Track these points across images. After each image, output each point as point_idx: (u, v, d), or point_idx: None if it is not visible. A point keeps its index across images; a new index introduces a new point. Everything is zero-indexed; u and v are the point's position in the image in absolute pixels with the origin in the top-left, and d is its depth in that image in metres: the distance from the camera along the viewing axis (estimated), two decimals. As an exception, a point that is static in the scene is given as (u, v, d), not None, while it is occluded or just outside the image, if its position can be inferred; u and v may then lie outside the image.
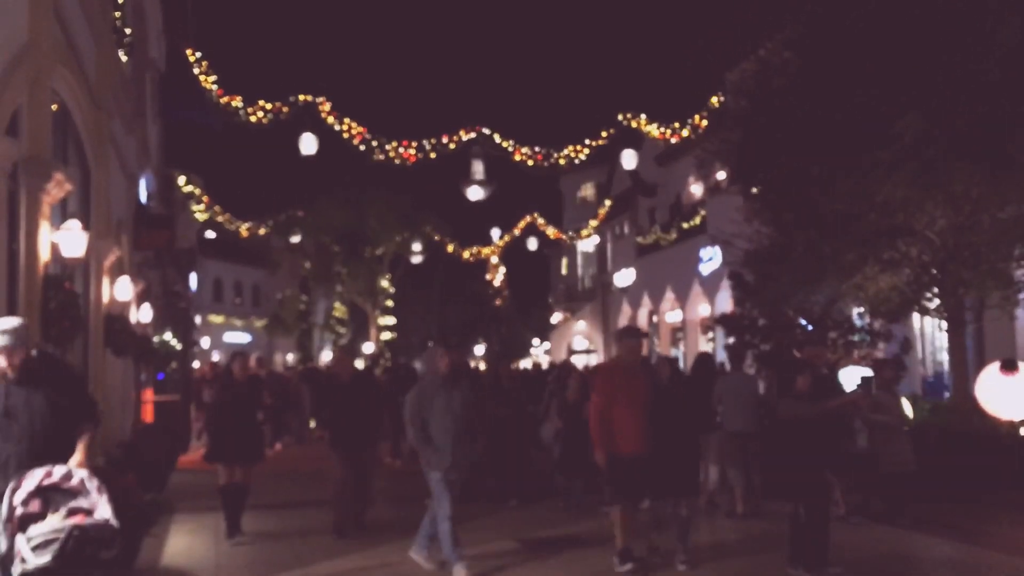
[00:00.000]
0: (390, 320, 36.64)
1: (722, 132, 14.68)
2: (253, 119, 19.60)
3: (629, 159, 23.32)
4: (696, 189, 28.81)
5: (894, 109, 10.55)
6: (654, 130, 22.48)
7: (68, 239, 9.17)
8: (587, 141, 22.77)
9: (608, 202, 35.38)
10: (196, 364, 25.76)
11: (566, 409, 11.03)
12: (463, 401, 7.86)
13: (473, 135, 22.16)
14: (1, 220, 7.40)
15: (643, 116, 22.38)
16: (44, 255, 8.51)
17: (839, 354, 13.98)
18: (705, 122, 20.91)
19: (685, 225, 28.41)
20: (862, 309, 14.60)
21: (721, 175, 18.39)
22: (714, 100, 20.34)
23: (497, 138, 22.30)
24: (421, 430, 7.68)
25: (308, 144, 20.05)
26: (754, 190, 14.35)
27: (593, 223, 35.11)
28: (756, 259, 14.57)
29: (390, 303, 36.72)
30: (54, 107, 9.49)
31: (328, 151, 20.71)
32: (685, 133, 21.95)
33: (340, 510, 9.56)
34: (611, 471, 7.76)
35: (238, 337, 49.56)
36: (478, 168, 25.40)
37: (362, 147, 20.72)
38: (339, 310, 36.47)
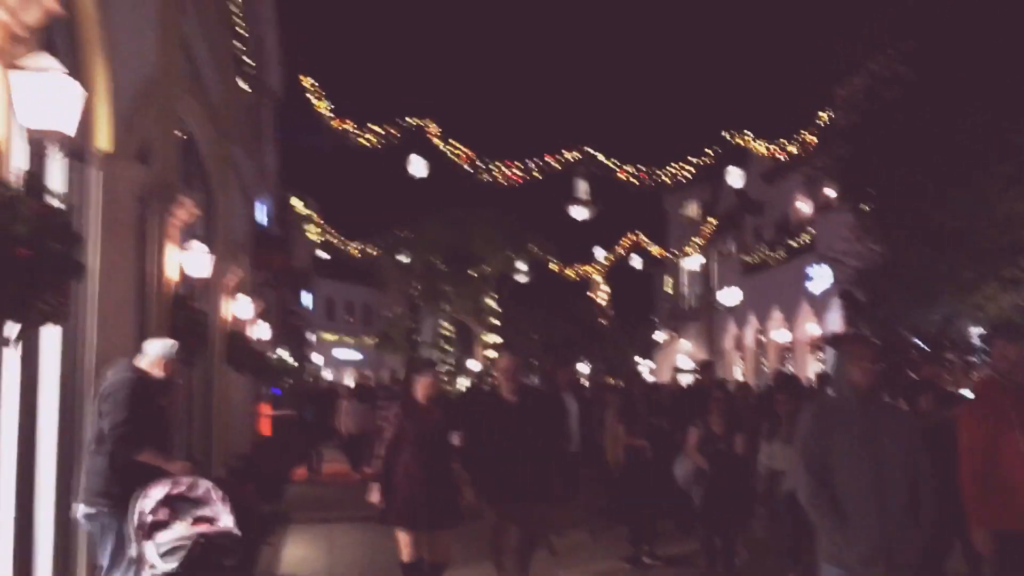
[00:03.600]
0: (496, 338, 36.96)
1: (831, 148, 14.40)
2: (364, 142, 20.19)
3: (735, 177, 23.10)
4: (804, 206, 28.22)
5: (1014, 121, 10.20)
6: (760, 147, 22.21)
7: (194, 260, 9.64)
8: (691, 159, 22.64)
9: (713, 220, 34.96)
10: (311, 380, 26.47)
11: (709, 442, 8.67)
12: (898, 440, 4.50)
13: (577, 155, 22.30)
14: (133, 243, 7.85)
15: (749, 133, 22.15)
16: (172, 276, 8.98)
17: (957, 376, 13.48)
18: (813, 138, 20.52)
19: (793, 243, 27.85)
20: (982, 329, 14.07)
21: (830, 192, 18.00)
22: (823, 115, 19.96)
23: (601, 157, 22.40)
24: (821, 487, 4.47)
25: (417, 166, 20.52)
26: (865, 207, 14.02)
27: (698, 241, 34.73)
28: (868, 277, 14.20)
29: (496, 321, 37.06)
30: (180, 134, 10.02)
31: (436, 172, 21.16)
32: (793, 150, 21.61)
33: None
34: (1001, 557, 5.03)
35: (349, 354, 50.73)
36: (582, 187, 25.52)
37: (469, 168, 21.09)
38: (446, 328, 37.00)
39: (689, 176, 22.94)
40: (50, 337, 5.81)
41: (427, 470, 6.51)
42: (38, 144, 4.11)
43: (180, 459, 5.73)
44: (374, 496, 6.67)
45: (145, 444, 5.59)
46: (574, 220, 25.95)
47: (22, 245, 3.65)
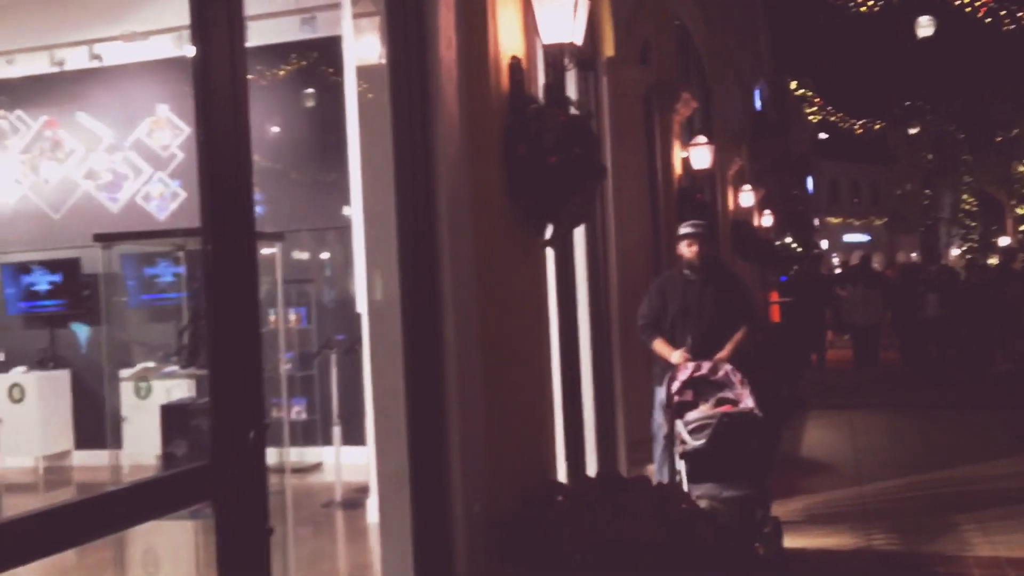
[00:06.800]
0: (1031, 208, 32.82)
1: None
2: (863, 9, 18.76)
3: None
4: None
5: None
6: None
7: (696, 153, 9.91)
8: None
9: None
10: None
11: None
12: None
13: None
14: (640, 142, 8.27)
15: None
16: (677, 170, 9.33)
17: None
18: None
19: None
20: None
21: None
22: None
23: None
24: None
25: (925, 26, 18.65)
26: None
27: None
28: None
29: (1030, 190, 32.89)
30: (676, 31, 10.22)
31: (947, 30, 19.02)
32: None
33: None
34: None
35: (856, 237, 48.77)
36: None
37: (987, 19, 18.59)
38: (967, 202, 33.75)
39: None
40: (578, 235, 6.38)
41: None
42: (555, 58, 4.46)
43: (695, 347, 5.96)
44: None
45: (656, 336, 6.05)
46: None
47: (550, 153, 4.04)
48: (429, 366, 3.56)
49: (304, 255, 8.97)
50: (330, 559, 5.95)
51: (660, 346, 6.06)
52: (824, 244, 42.09)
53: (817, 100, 25.89)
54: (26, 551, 1.92)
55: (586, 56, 6.65)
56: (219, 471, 2.42)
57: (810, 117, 26.45)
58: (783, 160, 21.05)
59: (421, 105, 3.61)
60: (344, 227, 7.76)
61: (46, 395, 8.97)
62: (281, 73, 8.77)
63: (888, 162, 40.78)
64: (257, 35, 7.65)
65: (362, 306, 5.48)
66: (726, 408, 5.52)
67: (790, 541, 5.60)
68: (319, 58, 8.58)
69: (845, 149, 42.30)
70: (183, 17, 2.55)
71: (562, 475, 5.31)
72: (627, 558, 3.52)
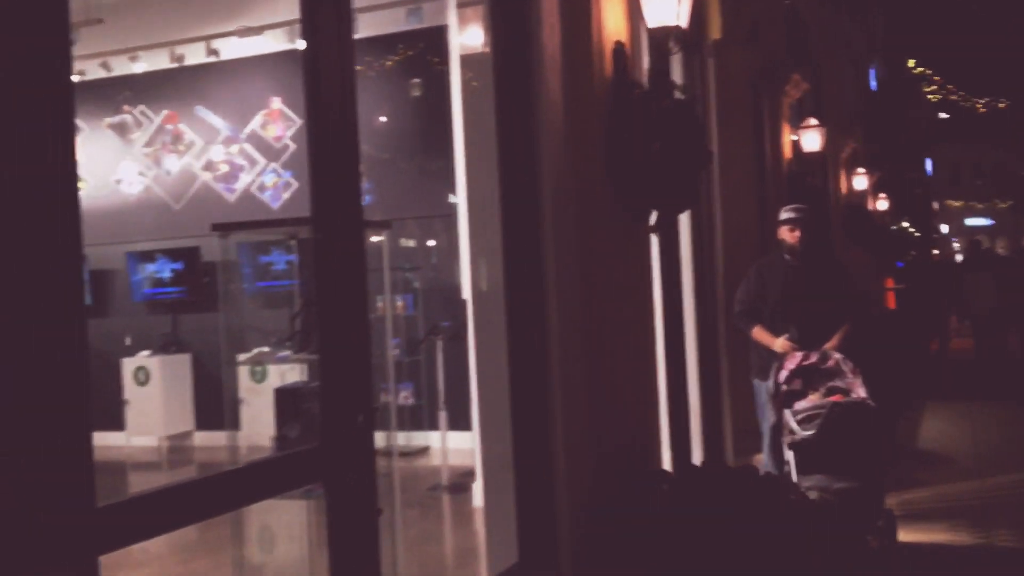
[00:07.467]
0: None
1: None
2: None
3: None
4: None
5: None
6: None
7: (807, 136, 9.67)
8: None
9: None
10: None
11: None
12: None
13: None
14: (747, 125, 8.10)
15: None
16: (786, 153, 9.11)
17: None
18: None
19: None
20: None
21: None
22: None
23: None
24: None
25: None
26: None
27: None
28: None
29: None
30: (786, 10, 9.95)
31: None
32: None
33: None
34: None
35: (979, 222, 46.72)
36: None
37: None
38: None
39: None
40: (683, 220, 6.30)
41: None
42: (660, 42, 4.41)
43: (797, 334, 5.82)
44: None
45: (754, 323, 5.92)
46: None
47: (654, 139, 4.00)
48: (533, 352, 3.59)
49: (411, 243, 9.11)
50: (436, 541, 6.06)
51: (760, 333, 5.92)
52: (944, 228, 40.50)
53: (936, 78, 24.89)
54: (151, 526, 2.02)
55: (691, 39, 6.53)
56: (330, 453, 2.50)
57: (929, 96, 25.44)
58: (900, 142, 20.31)
59: (525, 92, 3.62)
60: (450, 215, 7.86)
61: (169, 378, 9.38)
62: (388, 64, 8.92)
63: (1014, 142, 38.85)
64: (365, 27, 7.80)
65: (467, 293, 5.54)
66: (837, 398, 5.38)
67: (905, 535, 5.44)
68: (425, 48, 8.69)
69: (967, 129, 40.52)
70: (294, 11, 2.63)
71: (667, 463, 5.27)
72: (733, 549, 3.48)
